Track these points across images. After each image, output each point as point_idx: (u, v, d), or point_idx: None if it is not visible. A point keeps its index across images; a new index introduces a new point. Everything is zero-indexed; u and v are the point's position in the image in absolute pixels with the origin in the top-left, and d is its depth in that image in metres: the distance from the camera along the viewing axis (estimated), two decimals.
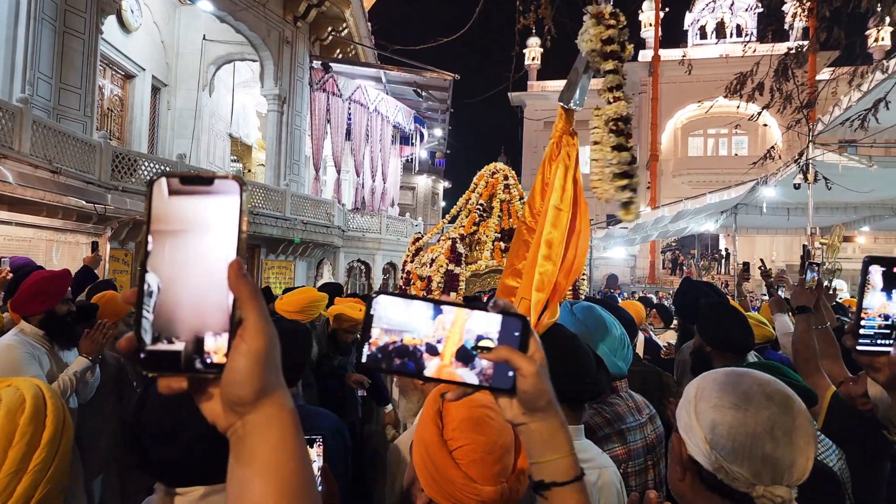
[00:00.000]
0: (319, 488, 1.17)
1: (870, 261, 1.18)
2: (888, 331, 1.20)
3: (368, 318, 0.69)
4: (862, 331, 1.20)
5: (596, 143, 2.01)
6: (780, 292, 4.12)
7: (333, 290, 5.60)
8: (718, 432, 0.99)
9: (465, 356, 0.69)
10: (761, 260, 4.32)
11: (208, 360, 0.54)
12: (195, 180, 0.54)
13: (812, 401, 1.57)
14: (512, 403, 0.73)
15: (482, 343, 0.69)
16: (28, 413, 1.12)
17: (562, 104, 2.10)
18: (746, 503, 0.97)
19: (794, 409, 1.01)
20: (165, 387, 0.54)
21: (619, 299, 9.19)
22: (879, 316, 1.19)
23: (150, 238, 0.53)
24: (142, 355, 0.53)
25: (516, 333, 0.70)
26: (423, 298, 0.70)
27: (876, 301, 1.18)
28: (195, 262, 0.54)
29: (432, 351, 0.68)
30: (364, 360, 0.68)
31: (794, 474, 0.96)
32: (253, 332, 0.54)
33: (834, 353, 2.32)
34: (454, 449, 1.19)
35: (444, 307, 0.69)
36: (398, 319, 0.68)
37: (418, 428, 1.27)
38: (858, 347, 1.22)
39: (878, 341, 1.21)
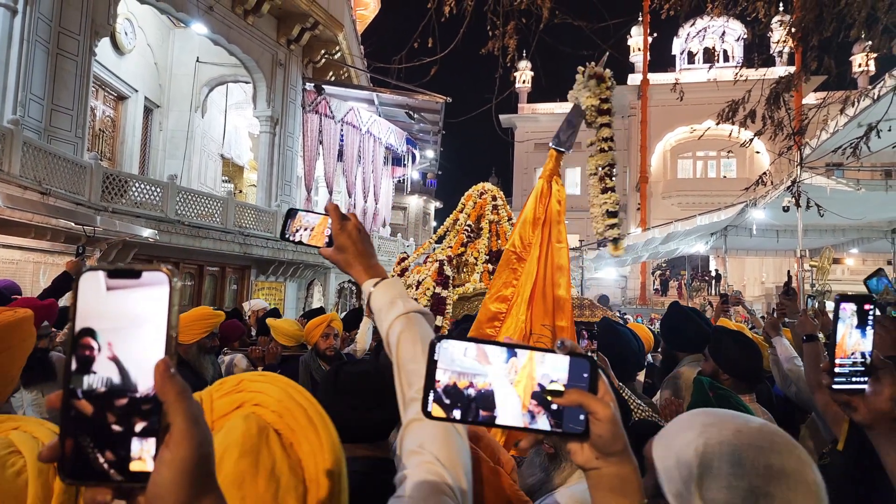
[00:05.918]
0: None
1: (841, 299, 1.18)
2: (863, 368, 1.20)
3: (432, 365, 0.65)
4: (837, 369, 1.20)
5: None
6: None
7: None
8: None
9: (535, 401, 0.66)
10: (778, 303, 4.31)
11: (133, 470, 0.49)
12: (122, 274, 0.51)
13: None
14: (584, 448, 0.69)
15: (551, 387, 0.66)
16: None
17: (555, 147, 2.31)
18: None
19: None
20: (90, 500, 0.49)
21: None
22: (853, 353, 1.19)
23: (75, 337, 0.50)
24: (64, 462, 0.49)
25: (585, 374, 0.67)
26: (493, 342, 0.67)
27: (850, 339, 1.19)
28: (123, 362, 0.50)
29: (504, 397, 0.65)
30: (430, 409, 0.64)
31: None
32: (178, 439, 0.49)
33: None
34: None
35: (517, 350, 0.67)
36: (468, 364, 0.65)
37: None
38: (834, 386, 1.21)
39: (853, 379, 1.21)
